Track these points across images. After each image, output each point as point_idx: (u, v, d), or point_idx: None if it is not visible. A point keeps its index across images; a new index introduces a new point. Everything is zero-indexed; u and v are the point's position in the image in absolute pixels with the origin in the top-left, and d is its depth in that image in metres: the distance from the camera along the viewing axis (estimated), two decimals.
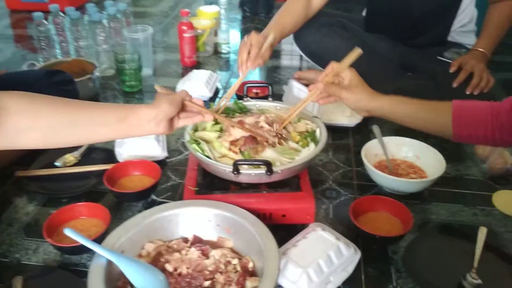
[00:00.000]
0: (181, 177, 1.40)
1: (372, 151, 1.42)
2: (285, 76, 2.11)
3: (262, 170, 1.11)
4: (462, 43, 1.82)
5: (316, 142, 1.25)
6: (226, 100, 1.35)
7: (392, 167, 1.39)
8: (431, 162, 1.38)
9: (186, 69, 2.13)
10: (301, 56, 2.16)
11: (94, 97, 1.85)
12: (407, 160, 1.43)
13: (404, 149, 1.44)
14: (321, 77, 1.26)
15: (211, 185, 1.21)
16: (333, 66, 1.25)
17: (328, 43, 1.82)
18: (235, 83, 1.39)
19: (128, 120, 0.94)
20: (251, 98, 1.49)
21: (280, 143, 1.25)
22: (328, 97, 1.27)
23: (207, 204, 1.11)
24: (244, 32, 2.67)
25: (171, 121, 1.00)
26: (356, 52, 1.23)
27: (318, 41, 1.87)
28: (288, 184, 1.21)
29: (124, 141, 1.43)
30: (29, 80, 1.48)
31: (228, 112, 1.40)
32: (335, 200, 1.32)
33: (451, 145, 1.57)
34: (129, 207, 1.28)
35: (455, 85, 1.58)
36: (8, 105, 0.85)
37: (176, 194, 1.33)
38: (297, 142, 1.27)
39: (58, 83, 1.52)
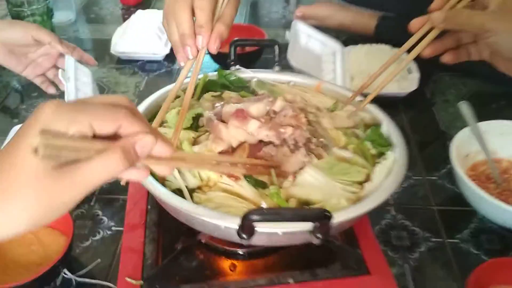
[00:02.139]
0: (120, 219, 0.75)
1: (462, 149, 0.80)
2: (277, 13, 1.42)
3: (304, 225, 0.48)
4: None
5: (386, 146, 0.63)
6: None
7: (498, 177, 0.78)
8: None
9: (128, 10, 1.42)
10: None
11: None
12: None
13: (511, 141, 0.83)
14: (438, 2, 0.67)
15: (176, 269, 0.58)
16: None
17: None
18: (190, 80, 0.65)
19: None
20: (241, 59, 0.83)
21: (318, 155, 0.62)
22: (457, 50, 0.71)
23: None
24: None
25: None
26: None
27: None
28: (336, 251, 0.58)
29: None
30: None
31: (211, 89, 0.76)
32: (411, 254, 0.71)
33: None
34: None
35: None
36: None
37: (111, 264, 0.69)
38: (341, 147, 0.65)
39: None
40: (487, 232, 0.74)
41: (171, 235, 0.62)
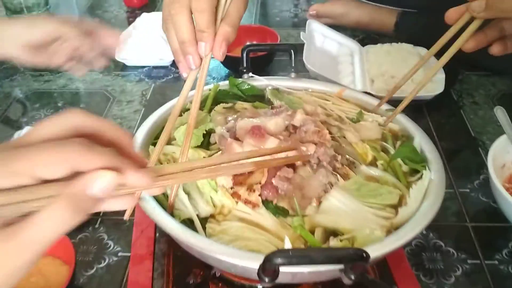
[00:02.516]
0: (126, 243, 0.69)
1: (498, 159, 0.72)
2: (289, 12, 1.35)
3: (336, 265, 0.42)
4: None
5: (420, 162, 0.57)
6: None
7: None
8: None
9: (133, 13, 1.36)
10: None
11: None
12: None
13: None
14: None
15: None
16: None
17: None
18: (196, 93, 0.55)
19: None
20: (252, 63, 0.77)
21: (344, 175, 0.56)
22: (502, 40, 0.62)
23: None
24: None
25: None
26: None
27: None
28: (368, 286, 0.52)
29: None
30: None
31: (222, 100, 0.71)
32: (447, 279, 0.64)
33: None
34: None
35: None
36: None
37: None
38: (369, 163, 0.59)
39: None
40: None
41: (183, 266, 0.56)
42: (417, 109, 0.93)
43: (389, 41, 1.06)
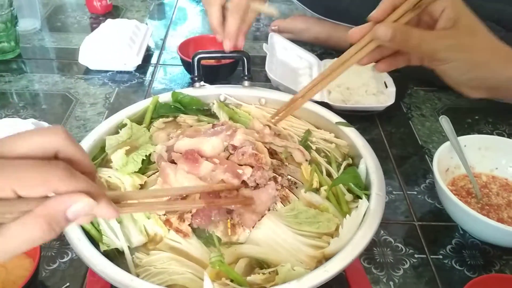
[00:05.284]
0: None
1: (442, 164, 0.79)
2: (252, 26, 1.40)
3: None
4: None
5: (360, 187, 0.61)
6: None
7: (479, 192, 0.78)
8: None
9: (97, 19, 1.37)
10: None
11: None
12: (496, 175, 0.82)
13: (490, 155, 0.83)
14: (381, 11, 0.56)
15: None
16: None
17: None
18: None
19: None
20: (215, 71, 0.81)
21: (283, 197, 0.59)
22: (393, 57, 0.61)
23: None
24: None
25: None
26: None
27: None
28: None
29: None
30: None
31: (159, 115, 0.73)
32: (396, 272, 0.69)
33: None
34: None
35: None
36: None
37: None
38: (313, 189, 0.62)
39: None
40: (469, 247, 0.73)
41: None
42: (370, 119, 0.99)
43: None
